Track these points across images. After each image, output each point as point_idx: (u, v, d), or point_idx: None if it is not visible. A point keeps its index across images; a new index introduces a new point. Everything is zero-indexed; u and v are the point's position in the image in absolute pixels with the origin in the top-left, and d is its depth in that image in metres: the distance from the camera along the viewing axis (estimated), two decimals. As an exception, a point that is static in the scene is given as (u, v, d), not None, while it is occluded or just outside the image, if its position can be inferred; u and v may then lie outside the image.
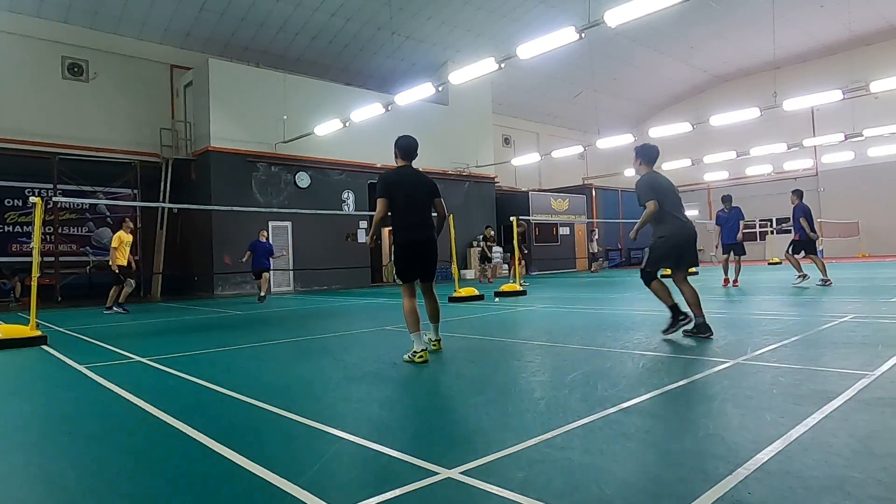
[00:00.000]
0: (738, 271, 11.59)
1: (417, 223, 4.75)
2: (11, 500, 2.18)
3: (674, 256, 5.28)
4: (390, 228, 4.81)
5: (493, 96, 24.26)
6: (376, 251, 21.11)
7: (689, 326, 5.19)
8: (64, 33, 16.23)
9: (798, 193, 11.15)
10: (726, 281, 11.57)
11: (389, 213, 4.71)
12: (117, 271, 10.95)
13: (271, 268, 14.03)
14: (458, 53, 21.66)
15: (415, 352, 4.43)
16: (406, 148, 4.89)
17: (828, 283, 10.33)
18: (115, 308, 10.91)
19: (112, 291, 11.03)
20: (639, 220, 5.40)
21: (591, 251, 22.77)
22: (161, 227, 17.39)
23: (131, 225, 11.64)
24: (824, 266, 10.66)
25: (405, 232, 4.71)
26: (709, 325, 5.10)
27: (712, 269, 20.13)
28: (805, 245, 10.84)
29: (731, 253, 11.59)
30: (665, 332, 5.27)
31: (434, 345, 4.97)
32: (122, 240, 11.01)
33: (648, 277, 5.36)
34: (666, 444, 2.40)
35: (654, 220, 5.30)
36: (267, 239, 13.82)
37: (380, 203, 4.67)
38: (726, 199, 11.81)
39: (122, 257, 10.98)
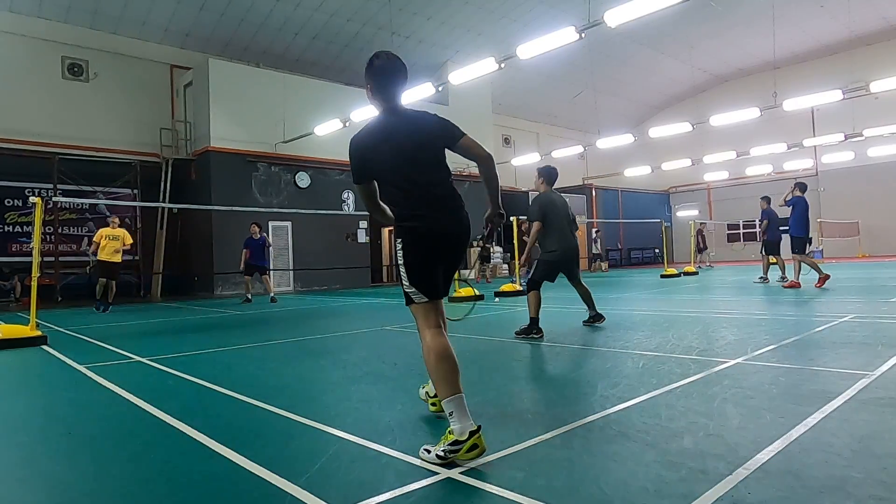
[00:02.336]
0: (798, 269, 10.46)
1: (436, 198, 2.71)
2: (11, 500, 2.18)
3: (559, 271, 6.05)
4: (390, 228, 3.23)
5: (493, 96, 24.26)
6: (376, 250, 21.10)
7: (585, 318, 6.22)
8: (64, 33, 16.22)
9: (766, 199, 12.10)
10: (794, 284, 10.11)
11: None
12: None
13: (269, 266, 13.42)
14: (458, 53, 21.66)
15: (458, 440, 2.26)
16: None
17: (765, 281, 11.83)
18: (94, 307, 10.91)
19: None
20: (528, 242, 6.02)
21: (593, 251, 22.78)
22: (161, 227, 17.38)
23: (116, 220, 11.40)
24: (768, 267, 12.21)
25: (421, 220, 2.64)
26: (600, 314, 6.19)
27: (709, 270, 20.13)
28: (770, 246, 11.95)
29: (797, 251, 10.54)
30: (518, 333, 5.75)
31: (435, 404, 2.99)
32: (102, 234, 11.00)
33: (533, 286, 5.91)
34: (666, 444, 2.40)
35: (540, 235, 5.98)
36: (260, 234, 13.01)
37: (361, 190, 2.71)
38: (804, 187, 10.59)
39: (101, 252, 10.88)
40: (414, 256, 2.60)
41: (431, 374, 2.50)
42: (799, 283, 10.18)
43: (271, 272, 14.46)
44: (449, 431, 2.31)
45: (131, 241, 11.34)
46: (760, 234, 12.37)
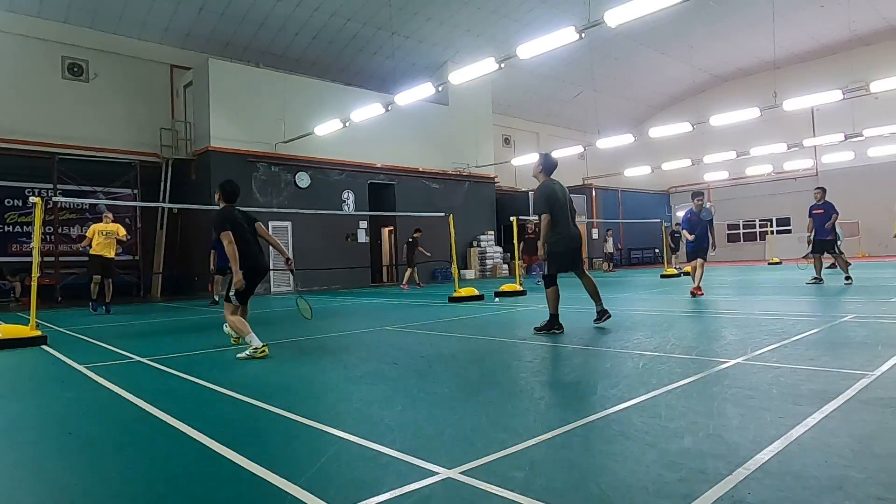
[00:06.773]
0: (845, 266, 11.14)
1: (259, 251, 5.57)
2: (11, 500, 2.17)
3: (567, 261, 6.02)
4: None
5: (493, 96, 24.25)
6: (376, 250, 21.11)
7: (595, 316, 6.15)
8: (64, 33, 16.22)
9: (698, 194, 10.17)
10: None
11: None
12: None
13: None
14: (458, 53, 21.65)
15: (256, 348, 4.97)
16: (234, 192, 5.47)
17: (698, 293, 9.30)
18: (90, 308, 10.49)
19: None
20: (541, 235, 5.97)
21: (606, 251, 22.75)
22: (161, 227, 17.38)
23: (109, 216, 10.86)
24: (701, 276, 9.62)
25: (253, 259, 5.34)
26: (606, 310, 6.12)
27: (709, 269, 20.12)
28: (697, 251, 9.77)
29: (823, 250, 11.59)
30: (537, 330, 5.87)
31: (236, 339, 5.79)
32: (94, 229, 10.58)
33: (550, 281, 5.94)
34: (666, 444, 2.39)
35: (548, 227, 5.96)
36: None
37: (226, 237, 5.13)
38: (821, 190, 12.40)
39: (95, 247, 10.44)
40: (247, 283, 5.33)
41: (238, 328, 5.17)
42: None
43: (271, 272, 14.34)
44: (252, 347, 4.98)
45: (125, 233, 10.85)
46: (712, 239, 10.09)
